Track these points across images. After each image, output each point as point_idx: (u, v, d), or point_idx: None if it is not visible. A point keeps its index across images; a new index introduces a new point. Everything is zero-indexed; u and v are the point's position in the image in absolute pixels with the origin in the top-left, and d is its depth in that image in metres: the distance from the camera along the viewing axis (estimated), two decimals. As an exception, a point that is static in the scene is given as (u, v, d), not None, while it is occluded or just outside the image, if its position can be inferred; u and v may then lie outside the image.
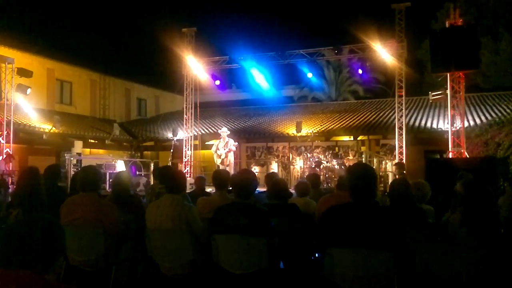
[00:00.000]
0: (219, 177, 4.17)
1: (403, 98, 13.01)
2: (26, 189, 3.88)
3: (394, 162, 12.10)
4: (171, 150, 14.56)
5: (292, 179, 14.16)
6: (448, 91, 11.41)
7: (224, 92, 18.91)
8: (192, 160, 15.56)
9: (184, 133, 15.71)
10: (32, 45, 18.33)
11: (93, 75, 21.40)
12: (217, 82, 15.00)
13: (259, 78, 14.46)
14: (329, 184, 11.85)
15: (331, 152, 14.40)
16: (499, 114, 15.06)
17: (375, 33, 13.26)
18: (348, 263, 2.51)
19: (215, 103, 24.56)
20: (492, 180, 7.35)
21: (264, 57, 14.13)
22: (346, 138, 16.82)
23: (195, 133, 15.90)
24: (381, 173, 13.56)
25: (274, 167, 16.03)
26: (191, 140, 15.43)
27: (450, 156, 11.27)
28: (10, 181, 10.83)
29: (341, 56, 14.79)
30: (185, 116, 15.57)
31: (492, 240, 2.96)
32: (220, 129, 13.04)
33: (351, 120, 17.47)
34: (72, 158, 12.26)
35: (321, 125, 17.23)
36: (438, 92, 11.97)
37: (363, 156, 14.53)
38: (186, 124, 15.57)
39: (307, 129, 16.57)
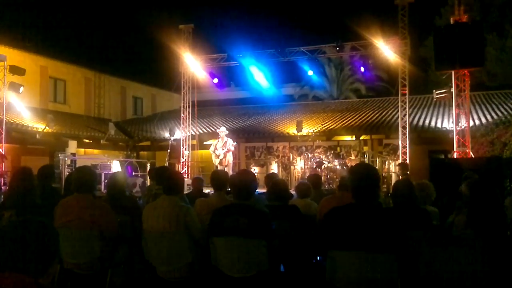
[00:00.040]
0: (218, 178, 4.13)
1: (407, 96, 12.91)
2: (19, 190, 3.85)
3: (397, 163, 12.24)
4: (168, 150, 14.51)
5: (292, 180, 14.33)
6: (453, 90, 11.39)
7: (223, 91, 18.67)
8: (189, 160, 15.50)
9: (181, 133, 15.61)
10: (24, 42, 18.35)
11: (88, 73, 21.28)
12: (215, 80, 14.91)
13: (259, 76, 14.38)
14: (331, 185, 11.87)
15: (332, 152, 14.62)
16: (505, 113, 14.97)
17: (377, 30, 13.22)
18: (350, 266, 2.50)
19: (213, 101, 24.61)
20: (498, 180, 7.38)
21: (264, 55, 14.04)
22: (348, 137, 16.72)
23: (193, 133, 15.84)
24: (384, 174, 13.68)
25: (274, 168, 16.25)
26: (188, 140, 15.38)
27: (455, 156, 11.26)
28: (2, 182, 10.91)
29: (342, 54, 14.74)
30: (182, 115, 15.47)
31: (499, 242, 2.89)
32: (219, 128, 13.11)
33: (353, 119, 17.35)
34: (66, 158, 12.18)
35: (322, 125, 17.10)
36: (443, 91, 11.94)
37: (365, 156, 14.61)
38: (183, 123, 15.46)
39: (308, 129, 16.44)
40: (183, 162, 15.22)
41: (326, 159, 13.45)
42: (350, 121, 17.10)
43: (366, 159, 14.07)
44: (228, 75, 17.69)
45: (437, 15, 21.49)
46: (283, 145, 17.47)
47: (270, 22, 45.56)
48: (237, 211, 3.07)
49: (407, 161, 12.19)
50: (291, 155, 16.64)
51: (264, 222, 3.05)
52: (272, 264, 3.07)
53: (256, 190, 3.47)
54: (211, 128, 18.09)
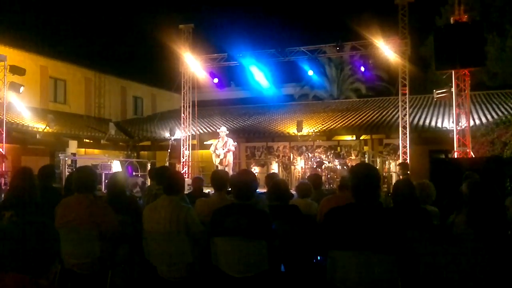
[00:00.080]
0: (218, 178, 4.12)
1: (407, 96, 12.92)
2: (20, 190, 3.81)
3: (397, 162, 12.21)
4: (169, 150, 14.50)
5: (293, 179, 14.40)
6: (453, 89, 11.38)
7: (223, 90, 18.69)
8: (190, 160, 15.49)
9: (181, 133, 15.60)
10: (24, 42, 18.21)
11: (88, 72, 21.25)
12: (216, 80, 14.91)
13: (259, 75, 14.39)
14: (331, 185, 11.88)
15: (333, 152, 14.61)
16: (506, 113, 14.94)
17: (377, 30, 13.22)
18: (351, 266, 2.48)
19: (213, 101, 24.56)
20: (499, 180, 7.26)
21: (264, 54, 14.03)
22: (348, 137, 16.69)
23: (193, 133, 15.82)
24: (384, 174, 13.69)
25: (275, 168, 16.21)
26: (189, 140, 15.36)
27: (456, 156, 11.25)
28: (3, 182, 10.87)
29: (343, 53, 14.72)
30: (182, 115, 15.45)
31: (499, 242, 2.87)
32: (219, 128, 13.08)
33: (353, 119, 17.34)
34: (66, 158, 12.20)
35: (322, 124, 17.08)
36: (443, 90, 11.93)
37: (366, 156, 14.58)
38: (183, 123, 15.45)
39: (308, 128, 16.43)
40: (183, 162, 15.21)
41: (326, 159, 13.47)
42: (350, 121, 17.09)
43: (366, 159, 14.06)
44: (228, 75, 17.76)
45: (437, 15, 21.44)
46: (283, 145, 17.45)
47: (270, 22, 45.62)
48: (237, 211, 3.05)
49: (408, 161, 12.19)
50: (291, 155, 16.63)
51: (264, 222, 3.03)
52: (273, 264, 3.06)
53: (257, 190, 3.45)
54: (211, 128, 18.08)
